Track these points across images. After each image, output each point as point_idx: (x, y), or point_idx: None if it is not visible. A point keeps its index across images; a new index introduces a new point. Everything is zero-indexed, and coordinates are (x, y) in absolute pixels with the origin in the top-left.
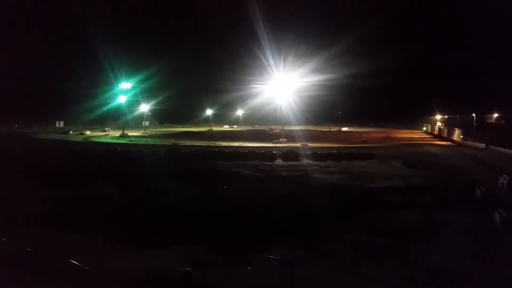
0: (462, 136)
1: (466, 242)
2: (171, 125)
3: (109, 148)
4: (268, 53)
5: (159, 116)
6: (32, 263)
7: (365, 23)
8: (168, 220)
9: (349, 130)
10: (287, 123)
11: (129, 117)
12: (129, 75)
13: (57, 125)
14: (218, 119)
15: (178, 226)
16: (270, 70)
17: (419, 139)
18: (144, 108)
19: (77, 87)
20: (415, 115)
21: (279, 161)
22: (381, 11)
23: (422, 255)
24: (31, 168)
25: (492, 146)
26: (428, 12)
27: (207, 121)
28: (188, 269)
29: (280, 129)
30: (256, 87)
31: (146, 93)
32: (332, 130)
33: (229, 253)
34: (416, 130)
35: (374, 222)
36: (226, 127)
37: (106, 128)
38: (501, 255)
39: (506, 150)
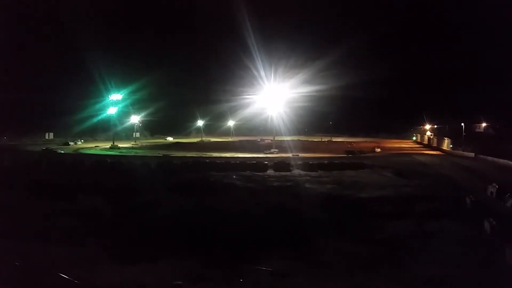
0: (451, 146)
1: (457, 250)
2: (162, 136)
3: (99, 160)
4: (259, 64)
5: (150, 127)
6: (21, 277)
7: (355, 35)
8: (159, 233)
9: (339, 140)
10: (278, 133)
11: (119, 128)
12: (119, 86)
13: (46, 137)
14: (209, 130)
15: (169, 239)
16: (261, 81)
17: (409, 148)
18: (135, 119)
19: (67, 99)
20: (405, 125)
21: (270, 172)
22: (371, 23)
23: (414, 264)
24: (20, 180)
25: (481, 155)
26: (417, 24)
27: (198, 132)
28: (179, 282)
29: (271, 140)
30: (247, 98)
31: (137, 104)
32: (323, 140)
33: (221, 266)
34: (405, 139)
35: (366, 231)
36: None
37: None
38: (491, 263)
39: (495, 159)
